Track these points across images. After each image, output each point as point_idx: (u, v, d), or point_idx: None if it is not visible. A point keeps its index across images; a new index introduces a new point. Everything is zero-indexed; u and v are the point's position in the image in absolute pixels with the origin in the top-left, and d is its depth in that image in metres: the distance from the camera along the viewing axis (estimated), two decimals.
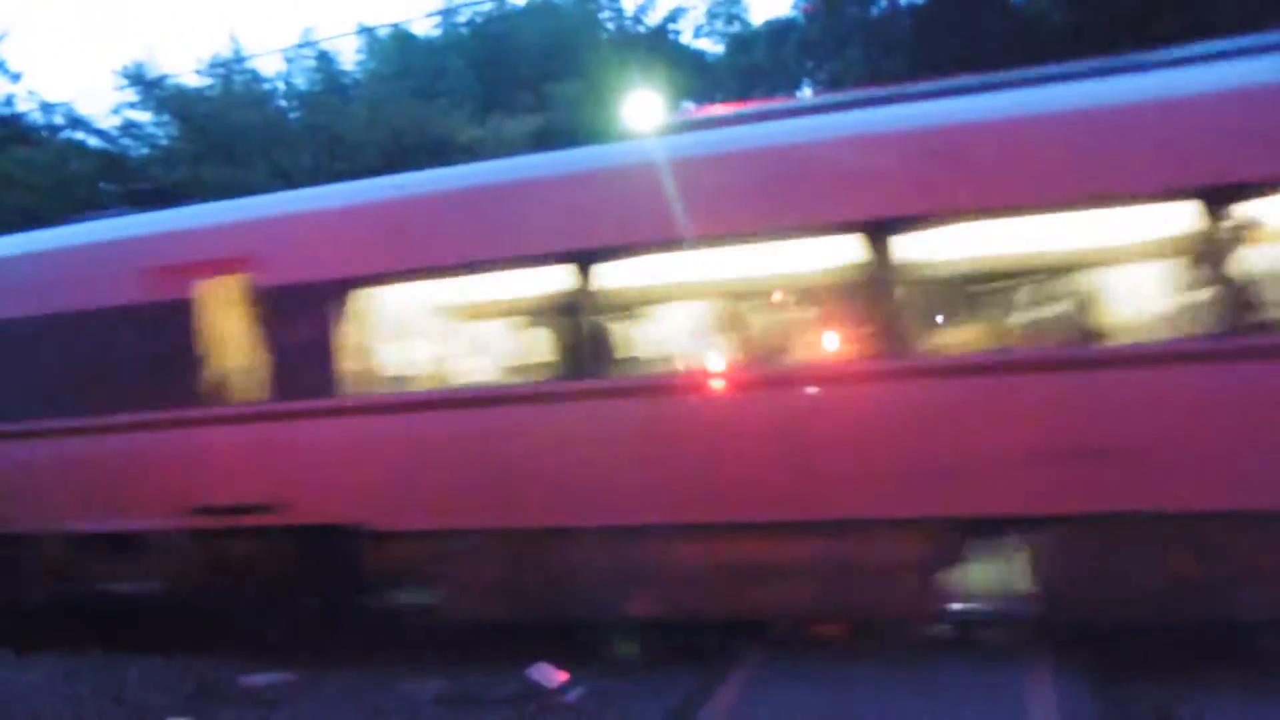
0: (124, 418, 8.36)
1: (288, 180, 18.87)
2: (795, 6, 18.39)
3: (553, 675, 6.87)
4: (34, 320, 8.84)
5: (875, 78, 14.88)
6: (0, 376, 9.12)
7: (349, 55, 30.90)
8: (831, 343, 7.75)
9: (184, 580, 8.38)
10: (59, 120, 23.61)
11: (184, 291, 8.29)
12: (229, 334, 8.20)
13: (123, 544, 8.52)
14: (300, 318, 7.87)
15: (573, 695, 6.67)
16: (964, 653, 6.76)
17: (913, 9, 15.76)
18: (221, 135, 23.22)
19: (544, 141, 12.58)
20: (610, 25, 32.14)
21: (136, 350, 8.44)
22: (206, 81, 25.97)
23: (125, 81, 24.95)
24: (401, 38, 31.13)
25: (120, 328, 8.49)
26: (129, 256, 8.65)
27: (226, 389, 8.18)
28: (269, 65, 28.37)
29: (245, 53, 27.90)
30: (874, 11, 16.22)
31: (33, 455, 8.77)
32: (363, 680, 7.34)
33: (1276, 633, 6.44)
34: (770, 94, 27.02)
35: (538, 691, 6.73)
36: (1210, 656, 6.49)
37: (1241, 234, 6.17)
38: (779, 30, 19.94)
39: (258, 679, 7.44)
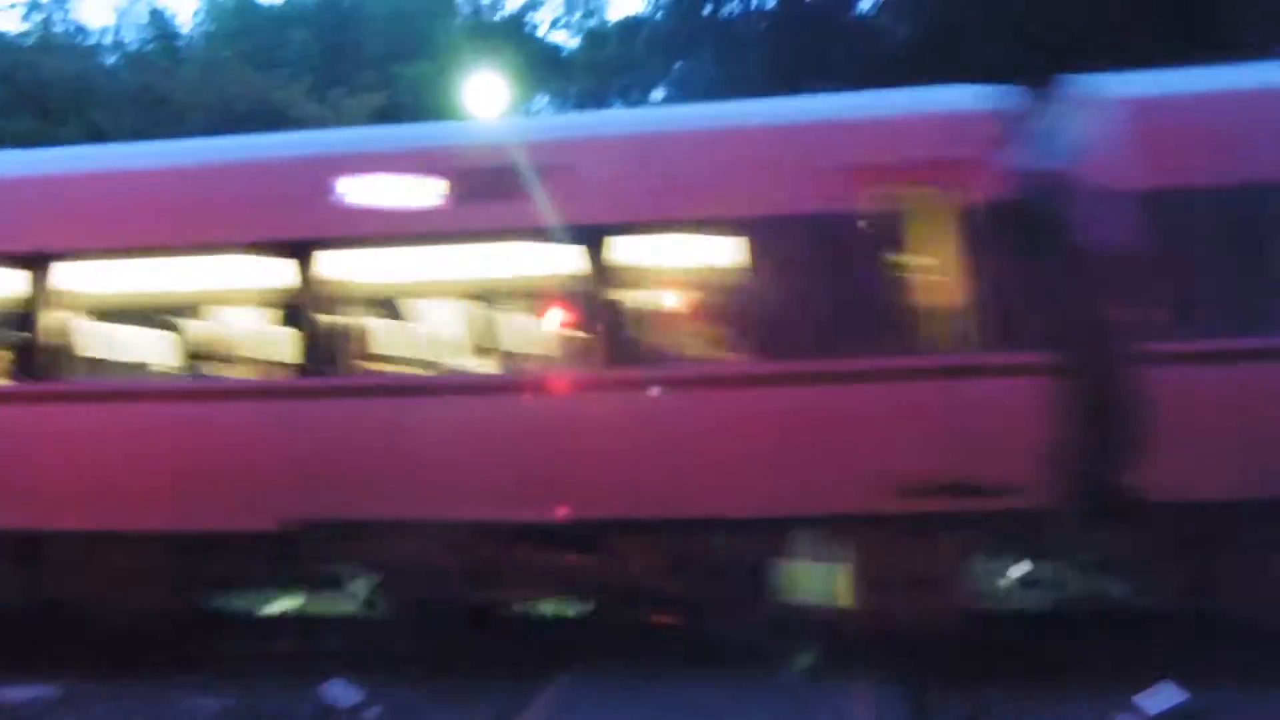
0: None
1: (104, 139, 17.38)
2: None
3: (349, 693, 6.33)
4: None
5: (726, 78, 14.82)
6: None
7: (187, 17, 29.14)
8: None
9: None
10: None
11: None
12: None
13: None
14: None
15: (371, 713, 6.18)
16: (785, 666, 6.59)
17: (764, 12, 15.76)
18: (31, 85, 21.29)
19: (384, 121, 11.93)
20: (465, 9, 31.28)
21: None
22: (23, 27, 23.87)
23: None
24: (244, 4, 29.51)
25: None
26: None
27: None
28: (98, 18, 26.40)
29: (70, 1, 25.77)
30: (725, 12, 16.17)
31: None
32: (135, 695, 6.62)
33: (1082, 637, 6.65)
34: (624, 91, 26.79)
35: (333, 710, 6.20)
36: (1018, 661, 6.58)
37: None
38: (630, 26, 19.69)
39: (13, 693, 6.62)
